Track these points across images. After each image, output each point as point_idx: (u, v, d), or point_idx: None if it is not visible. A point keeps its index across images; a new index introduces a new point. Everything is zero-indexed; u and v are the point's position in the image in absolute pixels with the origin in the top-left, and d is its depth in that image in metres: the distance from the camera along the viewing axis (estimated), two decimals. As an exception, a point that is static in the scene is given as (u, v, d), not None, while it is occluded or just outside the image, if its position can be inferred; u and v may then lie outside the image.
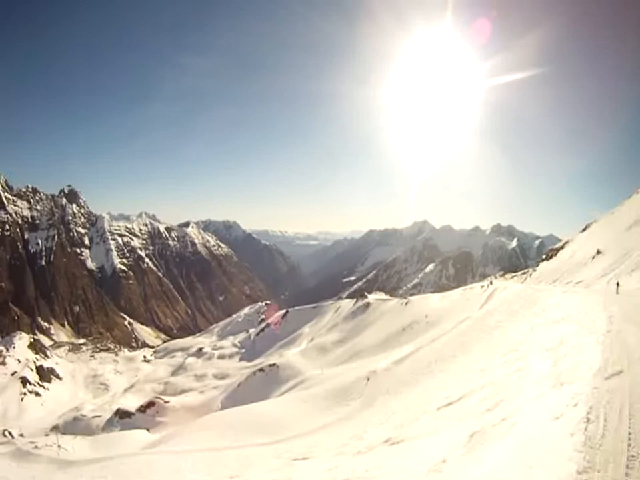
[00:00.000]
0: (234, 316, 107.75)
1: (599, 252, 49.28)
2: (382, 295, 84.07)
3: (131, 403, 54.68)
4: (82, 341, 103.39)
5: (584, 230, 75.45)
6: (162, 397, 52.90)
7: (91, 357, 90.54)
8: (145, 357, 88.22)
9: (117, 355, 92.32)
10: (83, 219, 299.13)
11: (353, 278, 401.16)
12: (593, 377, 8.06)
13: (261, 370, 52.07)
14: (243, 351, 77.16)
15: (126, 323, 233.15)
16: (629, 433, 5.61)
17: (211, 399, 51.23)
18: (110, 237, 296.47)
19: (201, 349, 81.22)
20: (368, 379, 30.98)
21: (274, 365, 52.12)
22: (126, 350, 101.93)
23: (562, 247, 74.89)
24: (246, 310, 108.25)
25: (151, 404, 49.34)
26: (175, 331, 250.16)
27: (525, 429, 7.38)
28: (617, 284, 27.66)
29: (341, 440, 17.15)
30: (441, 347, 30.50)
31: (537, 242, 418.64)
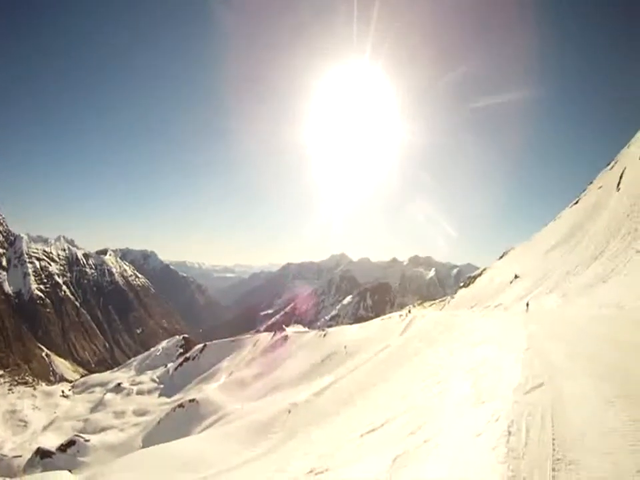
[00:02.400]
0: (152, 350, 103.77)
1: (516, 276, 51.94)
2: (300, 328, 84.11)
3: (51, 441, 52.39)
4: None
5: (501, 257, 79.56)
6: (82, 435, 50.50)
7: (9, 390, 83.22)
8: (63, 391, 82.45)
9: (35, 389, 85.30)
10: (0, 237, 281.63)
11: (270, 311, 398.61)
12: (513, 392, 8.20)
13: (181, 406, 51.13)
14: (162, 386, 74.58)
15: (44, 354, 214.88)
16: (553, 439, 5.83)
17: (131, 436, 49.52)
18: (28, 260, 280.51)
19: (119, 384, 77.33)
20: (289, 412, 30.96)
21: (193, 400, 51.17)
22: (44, 384, 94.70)
23: (480, 274, 78.25)
24: (164, 344, 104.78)
25: (71, 443, 47.42)
26: (93, 365, 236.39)
27: (448, 448, 7.38)
28: (527, 304, 29.33)
29: (265, 474, 16.83)
30: (361, 376, 30.77)
31: (455, 271, 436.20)
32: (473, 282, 75.81)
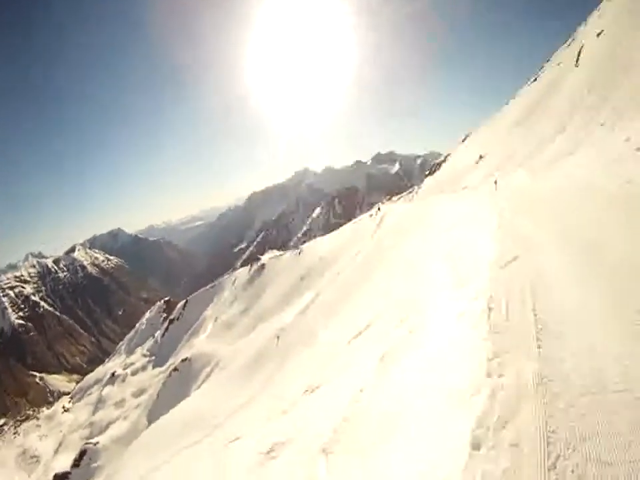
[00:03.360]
0: (137, 326, 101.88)
1: (481, 157, 51.70)
2: (275, 253, 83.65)
3: (64, 462, 51.27)
4: (1, 421, 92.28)
5: (464, 140, 78.62)
6: (90, 441, 49.36)
7: (14, 434, 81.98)
8: (64, 406, 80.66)
9: (37, 419, 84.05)
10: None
11: (243, 245, 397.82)
12: (489, 269, 8.13)
13: (175, 369, 50.58)
14: (154, 357, 72.87)
15: (37, 379, 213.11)
16: (534, 312, 5.63)
17: (135, 421, 49.20)
18: (2, 294, 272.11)
19: (113, 374, 75.02)
20: (278, 337, 31.27)
21: (186, 359, 50.61)
22: (45, 409, 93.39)
23: (444, 160, 77.75)
24: (147, 315, 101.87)
25: (82, 453, 46.45)
26: (85, 366, 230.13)
27: (432, 335, 7.34)
28: (495, 182, 29.18)
29: (267, 406, 16.74)
30: (341, 284, 30.65)
31: (419, 160, 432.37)
32: (438, 168, 75.40)
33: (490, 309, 6.04)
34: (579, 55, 45.00)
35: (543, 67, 67.14)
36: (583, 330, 5.07)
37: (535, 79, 64.49)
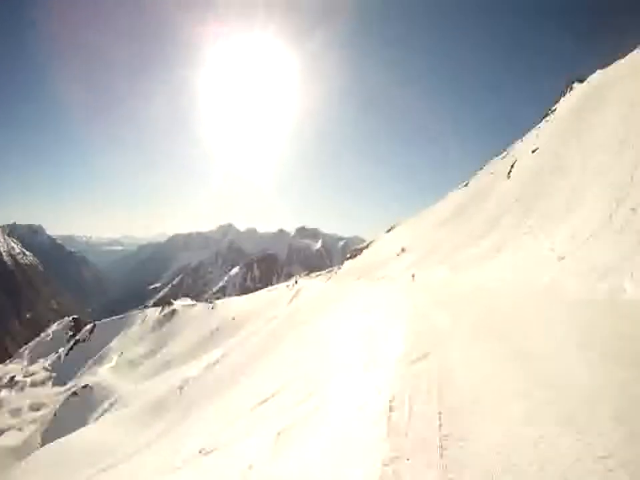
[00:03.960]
0: (42, 335, 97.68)
1: (403, 249, 53.41)
2: (188, 301, 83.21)
3: None
4: None
5: (389, 231, 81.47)
6: None
7: None
8: None
9: None
10: None
11: (158, 285, 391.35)
12: (396, 363, 7.79)
13: (75, 394, 48.66)
14: (55, 374, 69.99)
15: None
16: (439, 413, 5.27)
17: (30, 435, 46.21)
18: None
19: (12, 378, 70.92)
20: (181, 389, 30.54)
21: (87, 386, 48.99)
22: None
23: (367, 246, 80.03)
24: (53, 327, 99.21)
25: None
26: None
27: (332, 421, 6.80)
28: (413, 275, 30.05)
29: (163, 456, 16.05)
30: (251, 347, 30.30)
31: (342, 242, 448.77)
32: (359, 253, 77.62)
33: (391, 408, 5.62)
34: (511, 168, 48.22)
35: (476, 173, 71.46)
36: (494, 430, 4.71)
37: (467, 184, 68.40)
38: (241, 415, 13.84)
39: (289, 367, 17.13)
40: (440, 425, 4.91)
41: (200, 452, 11.87)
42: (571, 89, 58.57)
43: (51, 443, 32.33)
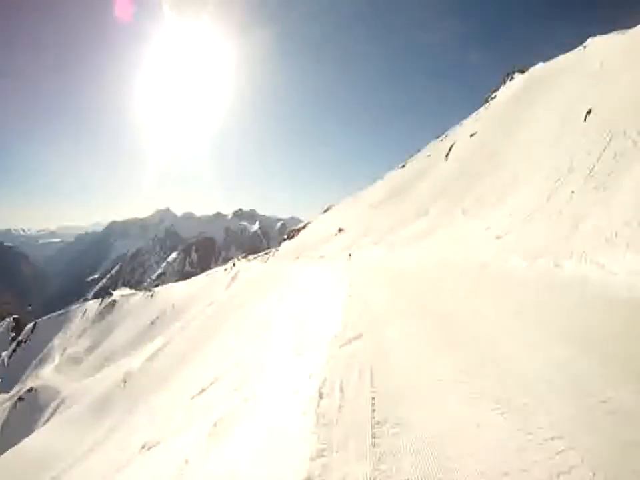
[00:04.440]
0: None
1: (340, 230, 53.57)
2: (127, 291, 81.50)
3: None
4: None
5: (325, 211, 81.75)
6: None
7: None
8: None
9: None
10: None
11: (97, 275, 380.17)
12: (329, 345, 7.40)
13: (21, 399, 46.46)
14: (0, 380, 66.45)
15: None
16: (373, 399, 4.89)
17: None
18: None
19: None
20: (125, 382, 29.96)
21: (32, 389, 46.89)
22: None
23: (304, 227, 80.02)
24: None
25: None
26: None
27: (264, 410, 6.44)
28: (349, 255, 30.07)
29: (111, 454, 16.07)
30: (192, 333, 30.02)
31: (279, 224, 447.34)
32: (296, 234, 77.71)
33: (321, 395, 5.22)
34: (449, 150, 48.91)
35: (413, 155, 72.22)
36: (429, 417, 4.36)
37: (404, 166, 69.11)
38: (181, 406, 13.66)
39: (227, 354, 16.84)
40: (373, 411, 4.58)
41: (143, 447, 11.84)
42: (512, 78, 60.05)
43: (2, 455, 31.39)
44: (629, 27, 32.45)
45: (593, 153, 17.27)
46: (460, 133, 54.35)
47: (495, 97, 58.58)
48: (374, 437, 4.09)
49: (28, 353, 69.41)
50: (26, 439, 30.97)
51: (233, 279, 42.42)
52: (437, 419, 4.32)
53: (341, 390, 5.19)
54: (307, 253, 51.42)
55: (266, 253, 79.77)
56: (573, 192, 15.58)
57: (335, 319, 9.51)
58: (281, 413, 5.74)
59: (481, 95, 69.51)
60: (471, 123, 55.62)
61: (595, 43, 37.17)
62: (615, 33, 34.65)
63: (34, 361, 65.42)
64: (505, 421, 4.16)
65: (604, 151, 16.65)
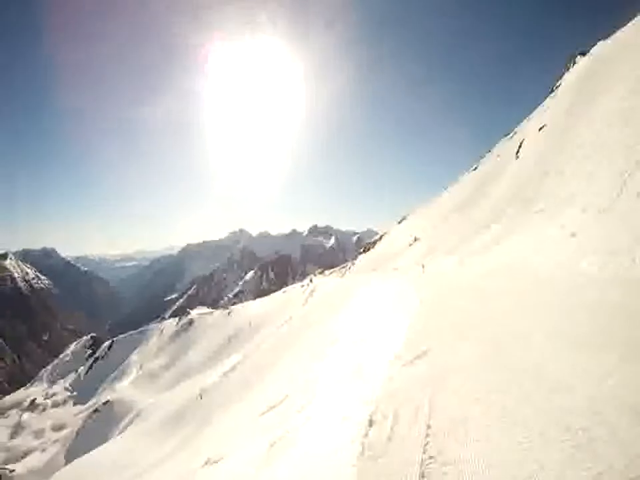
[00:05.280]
0: (61, 356, 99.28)
1: (415, 239, 52.60)
2: (204, 309, 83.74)
3: None
4: None
5: (401, 221, 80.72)
6: (6, 467, 47.15)
7: None
8: None
9: None
10: None
11: (174, 296, 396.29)
12: (389, 365, 6.94)
13: (96, 411, 49.84)
14: (75, 393, 71.18)
15: None
16: (427, 431, 4.34)
17: (54, 455, 47.29)
18: None
19: (33, 401, 72.25)
20: (200, 397, 30.73)
21: (107, 402, 49.96)
22: None
23: (380, 239, 79.38)
24: (72, 347, 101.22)
25: None
26: (5, 384, 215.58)
27: (315, 434, 6.09)
28: (422, 266, 29.34)
29: (180, 466, 16.35)
30: (267, 350, 30.08)
31: (355, 237, 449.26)
32: (372, 247, 77.12)
33: (371, 422, 4.75)
34: (519, 147, 47.01)
35: (484, 156, 70.23)
36: (483, 457, 3.66)
37: (475, 168, 67.19)
38: (248, 423, 13.50)
39: (299, 372, 16.70)
40: (425, 446, 4.03)
41: (206, 463, 11.72)
42: (574, 63, 57.06)
43: (75, 461, 32.78)
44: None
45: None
46: (528, 128, 52.10)
47: (560, 84, 55.76)
48: (422, 476, 3.58)
49: (104, 368, 73.23)
50: (100, 447, 32.62)
51: (310, 295, 42.53)
52: (491, 462, 3.57)
53: (394, 419, 4.67)
54: (382, 265, 50.95)
55: (342, 267, 79.69)
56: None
57: (399, 336, 9.10)
58: (328, 443, 5.35)
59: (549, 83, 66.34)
60: (538, 115, 53.25)
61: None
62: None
63: (110, 376, 68.55)
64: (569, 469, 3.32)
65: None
